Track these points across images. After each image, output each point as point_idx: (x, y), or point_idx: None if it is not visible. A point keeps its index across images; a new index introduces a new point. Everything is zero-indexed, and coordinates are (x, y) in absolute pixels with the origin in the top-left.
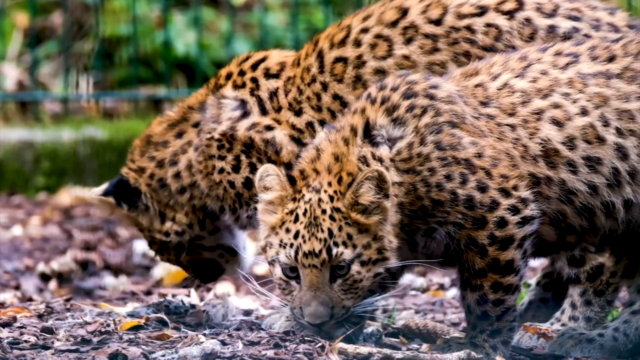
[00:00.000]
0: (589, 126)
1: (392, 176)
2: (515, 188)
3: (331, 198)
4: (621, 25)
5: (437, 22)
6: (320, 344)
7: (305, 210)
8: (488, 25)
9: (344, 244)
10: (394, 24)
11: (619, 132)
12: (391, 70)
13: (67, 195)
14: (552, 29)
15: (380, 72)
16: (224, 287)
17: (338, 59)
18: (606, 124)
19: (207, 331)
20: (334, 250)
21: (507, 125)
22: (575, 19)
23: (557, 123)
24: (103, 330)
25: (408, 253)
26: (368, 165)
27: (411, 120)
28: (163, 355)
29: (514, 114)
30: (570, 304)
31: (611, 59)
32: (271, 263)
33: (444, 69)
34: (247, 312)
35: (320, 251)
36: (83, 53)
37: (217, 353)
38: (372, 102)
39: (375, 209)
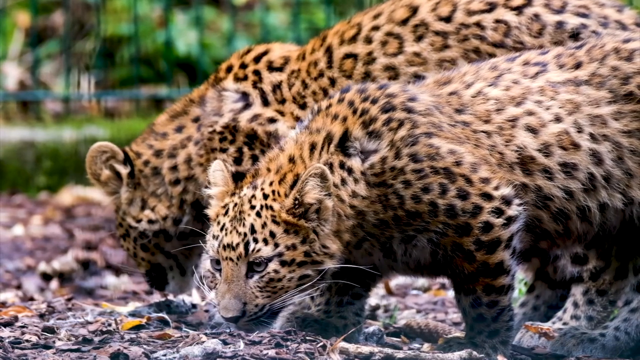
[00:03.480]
0: (564, 132)
1: (359, 190)
2: (496, 188)
3: (265, 196)
4: (629, 23)
5: (447, 19)
6: (321, 344)
7: (235, 204)
8: (497, 21)
9: (265, 241)
10: (404, 21)
11: (593, 137)
12: (401, 67)
13: (68, 195)
14: (560, 25)
15: (391, 69)
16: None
17: (348, 55)
18: (580, 129)
19: (208, 330)
20: (252, 246)
21: (482, 132)
22: (584, 15)
23: (532, 130)
24: (104, 329)
25: (384, 260)
26: (332, 172)
27: (387, 133)
28: (164, 355)
29: (489, 121)
30: (572, 302)
31: (577, 65)
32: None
33: (455, 66)
34: None
35: (238, 245)
36: (84, 52)
37: (219, 352)
38: (354, 112)
39: (313, 211)
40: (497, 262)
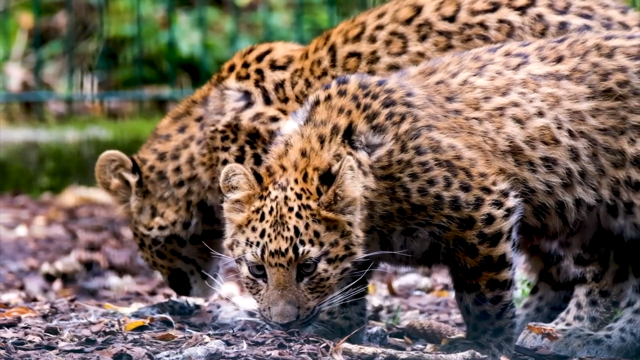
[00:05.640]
0: (546, 127)
1: (369, 182)
2: (494, 183)
3: (298, 196)
4: (633, 25)
5: (451, 19)
6: (324, 345)
7: (272, 208)
8: (500, 21)
9: (311, 242)
10: (408, 21)
11: (571, 134)
12: (405, 67)
13: (71, 196)
14: (563, 25)
15: (394, 68)
16: (228, 288)
17: (352, 54)
18: (560, 126)
19: (211, 331)
20: (301, 249)
21: (474, 118)
22: (587, 16)
23: (519, 121)
24: (107, 330)
25: (380, 252)
26: None
27: (391, 127)
28: (167, 356)
29: (478, 108)
30: (575, 303)
31: (559, 59)
32: (238, 261)
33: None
34: (252, 313)
35: (287, 250)
36: (87, 53)
37: (222, 353)
38: (357, 106)
39: (349, 203)
40: (500, 255)
